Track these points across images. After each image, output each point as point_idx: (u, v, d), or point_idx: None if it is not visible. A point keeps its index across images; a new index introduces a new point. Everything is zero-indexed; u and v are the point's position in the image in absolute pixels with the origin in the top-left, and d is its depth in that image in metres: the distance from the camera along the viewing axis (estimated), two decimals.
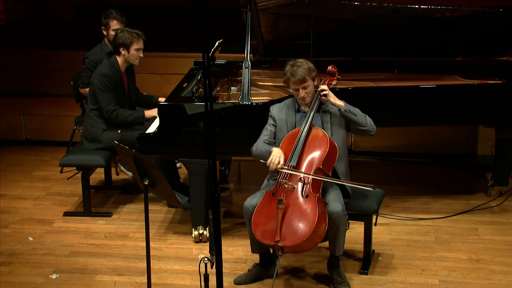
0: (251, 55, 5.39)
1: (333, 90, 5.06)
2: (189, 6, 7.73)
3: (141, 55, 5.49)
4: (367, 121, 4.47)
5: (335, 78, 4.68)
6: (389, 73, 5.79)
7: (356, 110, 4.46)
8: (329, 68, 4.68)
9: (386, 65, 5.82)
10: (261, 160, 4.43)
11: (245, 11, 5.28)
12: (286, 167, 4.29)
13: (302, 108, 4.53)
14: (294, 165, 4.30)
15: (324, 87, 4.47)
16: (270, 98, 5.18)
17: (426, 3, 5.37)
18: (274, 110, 4.62)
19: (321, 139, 4.37)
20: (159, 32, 7.97)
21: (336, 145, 4.39)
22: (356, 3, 5.35)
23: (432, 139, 6.56)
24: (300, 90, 4.42)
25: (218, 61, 5.85)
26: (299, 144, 4.35)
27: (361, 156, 6.68)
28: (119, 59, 5.48)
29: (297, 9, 5.39)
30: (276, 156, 4.32)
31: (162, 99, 5.61)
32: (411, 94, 5.23)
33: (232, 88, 5.75)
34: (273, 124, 4.59)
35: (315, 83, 4.48)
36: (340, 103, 4.44)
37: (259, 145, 4.53)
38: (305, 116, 4.46)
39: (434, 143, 6.59)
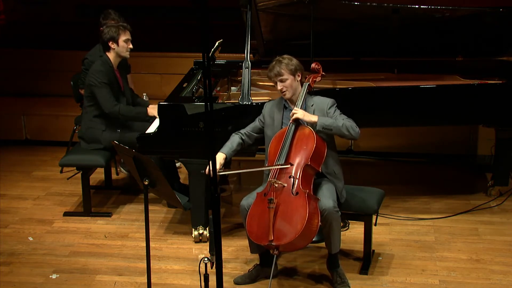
0: (251, 55, 5.39)
1: (332, 90, 5.07)
2: (189, 6, 7.74)
3: (131, 46, 5.50)
4: (344, 132, 4.38)
5: (319, 75, 4.67)
6: (389, 73, 5.79)
7: (330, 124, 4.38)
8: (313, 65, 4.68)
9: (386, 65, 5.82)
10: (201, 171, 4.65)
11: (245, 11, 5.28)
12: (222, 170, 4.52)
13: (289, 105, 4.55)
14: (283, 163, 4.32)
15: (294, 111, 4.41)
16: (270, 98, 5.17)
17: (426, 3, 5.37)
18: (266, 107, 4.69)
19: (308, 135, 4.37)
20: (159, 32, 7.99)
21: (324, 141, 4.39)
22: (356, 3, 5.35)
23: (432, 139, 6.56)
24: (278, 83, 4.48)
25: (218, 61, 5.85)
26: (287, 142, 4.37)
27: (361, 156, 6.68)
28: (111, 56, 5.49)
29: (297, 9, 5.39)
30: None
31: (151, 108, 5.57)
32: (411, 94, 5.23)
33: (232, 88, 5.75)
34: (261, 120, 4.67)
35: (298, 78, 4.50)
36: (314, 119, 4.39)
37: (231, 138, 4.64)
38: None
39: (434, 143, 6.58)
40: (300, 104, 4.47)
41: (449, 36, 5.63)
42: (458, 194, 5.81)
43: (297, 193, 4.21)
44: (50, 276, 4.71)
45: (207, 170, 4.37)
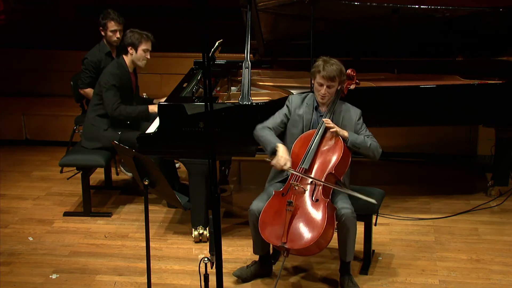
0: (251, 55, 5.39)
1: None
2: (189, 6, 7.74)
3: (148, 56, 5.50)
4: (369, 153, 4.41)
5: (354, 82, 4.65)
6: (389, 73, 5.79)
7: (361, 143, 4.37)
8: (348, 71, 4.61)
9: (386, 65, 5.82)
10: (266, 159, 4.36)
11: (245, 11, 5.28)
12: (293, 169, 4.27)
13: (320, 107, 4.50)
14: (307, 168, 4.29)
15: (329, 124, 4.36)
16: (270, 98, 5.18)
17: (426, 3, 5.37)
18: (293, 102, 4.56)
19: (336, 143, 4.34)
20: (159, 32, 7.96)
21: (350, 150, 4.37)
22: (356, 3, 5.35)
23: (432, 139, 6.56)
24: (324, 87, 4.37)
25: (218, 61, 5.85)
26: (313, 147, 4.33)
27: (361, 156, 6.66)
28: (127, 59, 5.49)
29: (297, 9, 5.39)
30: (284, 158, 4.29)
31: (153, 106, 5.59)
32: (411, 94, 5.23)
33: (232, 88, 5.75)
34: (286, 115, 4.55)
35: (339, 87, 4.46)
36: (345, 134, 4.37)
37: (265, 130, 4.48)
38: (320, 117, 4.44)
39: (434, 143, 6.59)
40: (331, 112, 4.43)
41: (449, 36, 5.63)
42: (458, 194, 5.82)
43: (317, 200, 4.19)
44: (50, 276, 4.71)
45: (275, 161, 4.27)
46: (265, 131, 4.48)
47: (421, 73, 5.73)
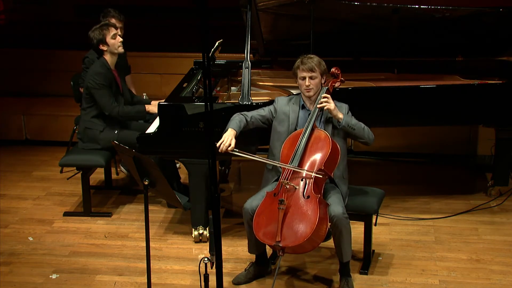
0: (251, 55, 5.39)
1: (333, 90, 5.06)
2: (189, 6, 7.74)
3: (120, 39, 5.49)
4: (364, 134, 4.47)
5: (339, 80, 4.66)
6: (389, 73, 5.79)
7: (355, 124, 4.45)
8: (332, 70, 4.64)
9: (386, 65, 5.82)
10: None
11: (245, 11, 5.28)
12: (237, 150, 4.34)
13: (307, 105, 4.53)
14: (296, 165, 4.31)
15: (327, 96, 4.44)
16: (270, 98, 5.18)
17: (426, 3, 5.37)
18: (279, 101, 4.65)
19: (323, 140, 4.36)
20: (159, 32, 7.98)
21: (338, 146, 4.39)
22: (356, 3, 5.35)
23: (432, 139, 6.56)
24: (307, 79, 4.45)
25: (218, 61, 5.85)
26: (301, 144, 4.35)
27: (361, 156, 6.68)
28: (107, 57, 5.50)
29: (297, 9, 5.39)
30: (228, 137, 4.38)
31: (149, 105, 5.62)
32: (411, 94, 5.23)
33: (232, 88, 5.76)
34: (271, 112, 4.63)
35: (323, 80, 4.51)
36: (340, 116, 4.43)
37: (236, 117, 4.56)
38: (308, 115, 4.46)
39: (434, 143, 6.59)
40: (318, 109, 4.45)
41: (449, 36, 5.63)
42: (458, 194, 5.82)
43: (308, 197, 4.20)
44: (50, 276, 4.71)
45: (218, 143, 4.35)
46: (234, 119, 4.56)
47: (421, 73, 5.73)
